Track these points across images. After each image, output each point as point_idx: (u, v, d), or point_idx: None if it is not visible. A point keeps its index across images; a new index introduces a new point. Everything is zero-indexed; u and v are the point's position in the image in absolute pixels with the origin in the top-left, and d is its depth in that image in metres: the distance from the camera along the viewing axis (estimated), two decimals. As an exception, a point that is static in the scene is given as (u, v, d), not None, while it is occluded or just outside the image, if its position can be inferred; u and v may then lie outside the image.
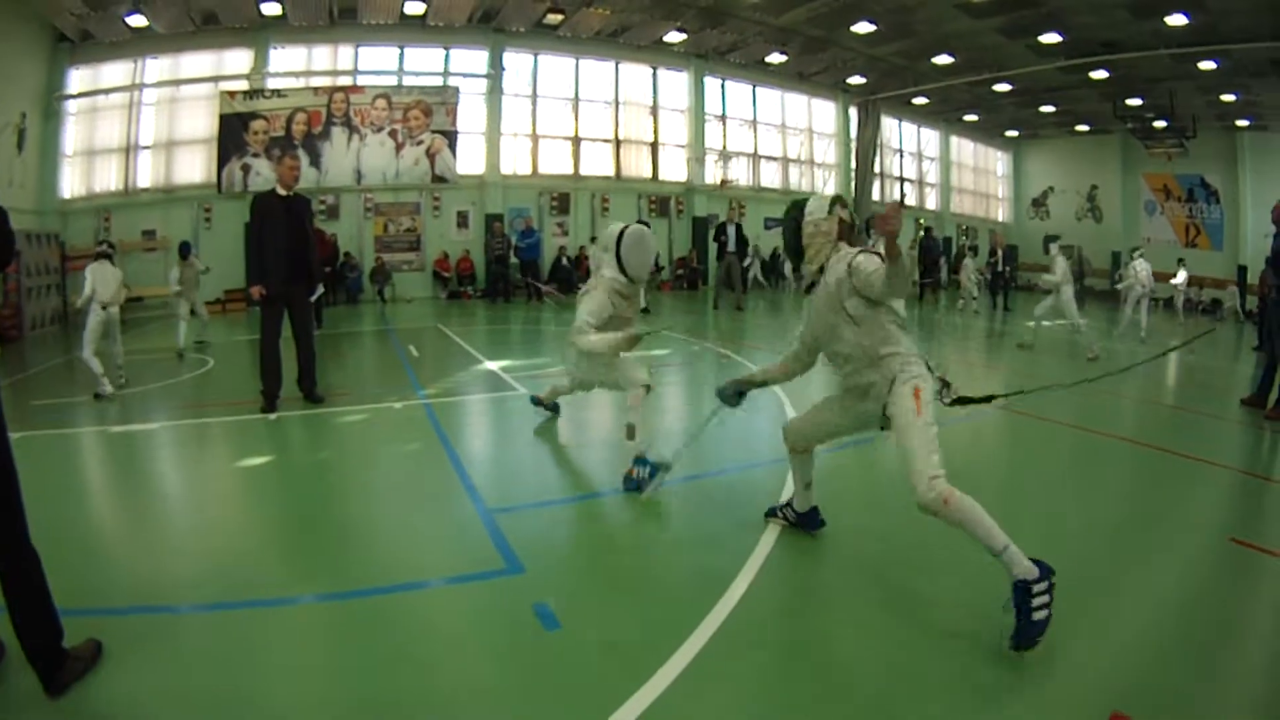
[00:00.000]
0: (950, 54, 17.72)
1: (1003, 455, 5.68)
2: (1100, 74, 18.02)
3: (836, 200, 3.21)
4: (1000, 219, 28.01)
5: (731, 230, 14.38)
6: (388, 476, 4.73)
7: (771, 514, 3.81)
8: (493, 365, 8.40)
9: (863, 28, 16.38)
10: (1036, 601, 2.54)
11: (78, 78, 15.39)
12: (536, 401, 5.95)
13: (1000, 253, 17.03)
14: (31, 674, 2.27)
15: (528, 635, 2.70)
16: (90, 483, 4.87)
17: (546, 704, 2.34)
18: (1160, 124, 20.78)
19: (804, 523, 3.67)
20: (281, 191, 6.26)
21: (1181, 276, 16.86)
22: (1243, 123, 20.97)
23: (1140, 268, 12.03)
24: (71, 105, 15.36)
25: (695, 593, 2.98)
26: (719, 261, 15.01)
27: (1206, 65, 16.36)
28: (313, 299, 6.82)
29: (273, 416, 6.02)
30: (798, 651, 2.69)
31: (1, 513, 2.26)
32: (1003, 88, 19.99)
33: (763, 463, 4.83)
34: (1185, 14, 13.67)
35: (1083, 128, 24.19)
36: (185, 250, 10.28)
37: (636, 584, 3.20)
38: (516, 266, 16.86)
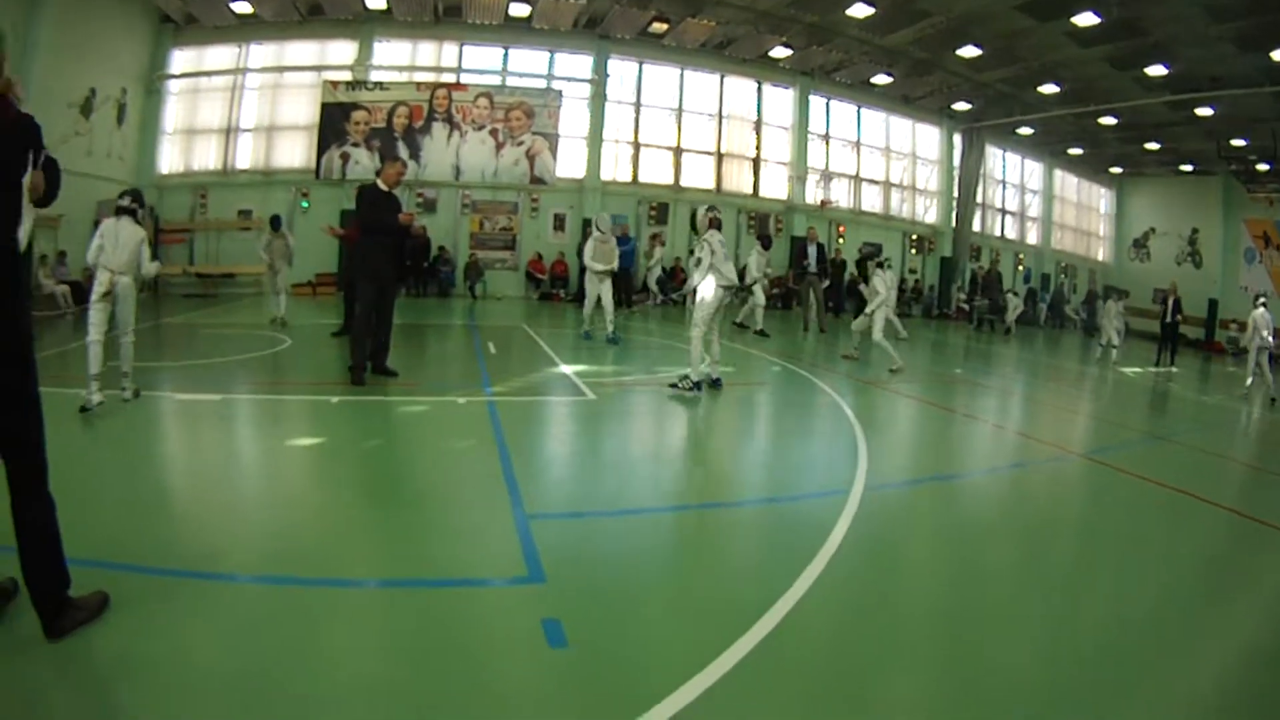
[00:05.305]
0: (1056, 83, 17.39)
1: (1081, 507, 5.02)
2: (1205, 110, 17.50)
3: None
4: (1100, 258, 26.98)
5: (812, 250, 13.69)
6: (432, 470, 4.61)
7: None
8: (567, 369, 7.99)
9: (968, 51, 16.09)
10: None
11: (181, 58, 15.26)
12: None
13: (1171, 301, 14.89)
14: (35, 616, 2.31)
15: (530, 650, 2.53)
16: (132, 446, 4.68)
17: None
18: (1263, 167, 20.06)
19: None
20: (383, 188, 6.76)
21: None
22: (1348, 169, 20.22)
23: (1259, 317, 10.87)
24: (173, 85, 15.17)
25: (717, 626, 2.71)
26: (799, 284, 14.22)
27: (1312, 106, 15.74)
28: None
29: (334, 400, 6.03)
30: (816, 706, 2.36)
31: (26, 455, 2.28)
32: (1108, 121, 19.48)
33: (814, 494, 4.53)
34: (1294, 50, 13.09)
35: (1186, 167, 23.52)
36: (276, 223, 10.56)
37: (657, 609, 2.96)
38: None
